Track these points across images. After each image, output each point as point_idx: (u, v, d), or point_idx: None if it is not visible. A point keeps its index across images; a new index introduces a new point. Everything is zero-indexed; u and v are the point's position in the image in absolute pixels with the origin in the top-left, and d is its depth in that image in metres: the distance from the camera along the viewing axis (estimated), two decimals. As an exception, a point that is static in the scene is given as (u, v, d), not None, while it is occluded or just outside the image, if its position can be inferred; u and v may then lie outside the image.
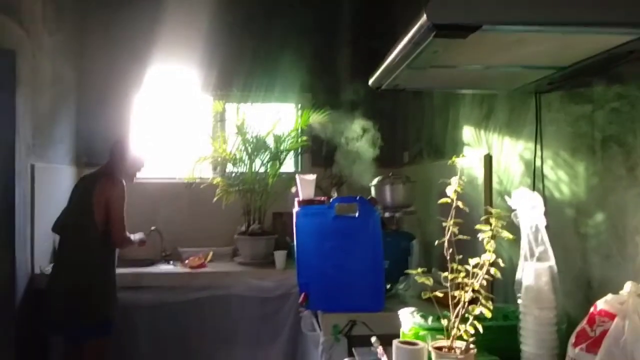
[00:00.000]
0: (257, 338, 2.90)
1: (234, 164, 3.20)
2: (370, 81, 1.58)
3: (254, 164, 3.16)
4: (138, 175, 2.84)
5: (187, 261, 3.05)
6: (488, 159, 2.04)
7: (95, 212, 2.51)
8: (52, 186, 3.00)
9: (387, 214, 2.56)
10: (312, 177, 2.21)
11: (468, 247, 1.29)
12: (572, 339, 1.17)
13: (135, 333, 2.81)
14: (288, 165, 3.53)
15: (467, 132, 2.30)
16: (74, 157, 3.37)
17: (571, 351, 1.16)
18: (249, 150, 3.15)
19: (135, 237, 2.77)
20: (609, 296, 1.14)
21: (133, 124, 3.51)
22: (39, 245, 2.79)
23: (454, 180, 1.34)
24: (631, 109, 1.24)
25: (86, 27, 3.48)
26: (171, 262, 3.14)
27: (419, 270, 1.34)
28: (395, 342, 1.23)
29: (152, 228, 3.15)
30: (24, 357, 2.59)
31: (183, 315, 2.84)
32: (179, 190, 3.38)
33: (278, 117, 3.27)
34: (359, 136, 2.75)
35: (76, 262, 2.52)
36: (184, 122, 3.55)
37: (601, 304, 1.14)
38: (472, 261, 1.27)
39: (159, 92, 3.54)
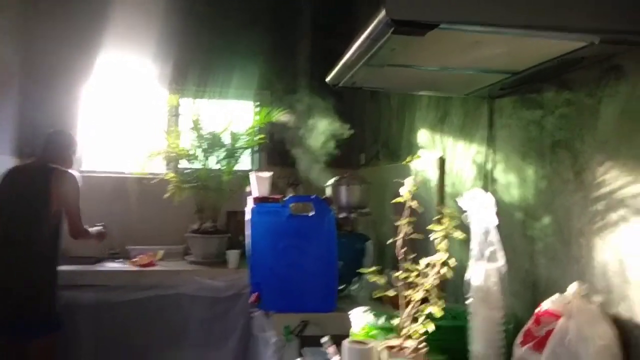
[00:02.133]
0: (207, 339, 2.82)
1: (188, 160, 3.11)
2: (328, 78, 1.57)
3: (208, 160, 3.09)
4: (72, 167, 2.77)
5: (135, 259, 2.94)
6: (441, 162, 2.07)
7: (50, 205, 2.47)
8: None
9: (342, 215, 2.55)
10: (267, 174, 2.18)
11: (421, 249, 1.29)
12: (519, 339, 1.19)
13: (78, 334, 2.68)
14: (244, 163, 3.48)
15: (423, 135, 2.33)
16: (16, 147, 3.19)
17: (518, 350, 1.18)
18: (204, 147, 3.07)
19: (93, 229, 2.72)
20: (555, 296, 1.16)
21: (81, 114, 3.36)
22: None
23: (408, 181, 1.34)
24: (579, 114, 1.28)
25: (35, 9, 3.30)
26: (119, 260, 3.02)
27: (372, 269, 1.34)
28: (345, 341, 1.22)
29: (100, 224, 3.02)
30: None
31: (130, 315, 2.73)
32: (129, 186, 3.26)
33: (235, 114, 3.21)
34: (316, 136, 2.73)
35: (24, 256, 2.41)
36: (137, 115, 3.44)
37: (547, 304, 1.16)
38: (424, 261, 1.27)
39: (111, 82, 3.41)
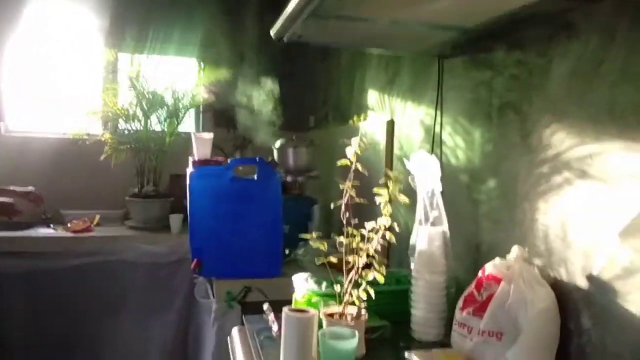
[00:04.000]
0: (148, 306, 2.72)
1: (127, 120, 2.93)
2: (273, 31, 1.46)
3: (149, 121, 2.91)
4: None
5: (69, 225, 2.77)
6: (390, 124, 2.02)
7: None
8: None
9: (289, 178, 2.48)
10: (208, 135, 2.07)
11: (367, 213, 1.24)
12: (460, 303, 1.17)
13: (9, 304, 2.52)
14: (188, 124, 3.31)
15: (372, 97, 2.26)
16: None
17: (459, 315, 1.16)
18: (145, 106, 2.89)
19: None
20: (496, 260, 1.15)
21: (7, 69, 3.09)
22: None
23: (354, 142, 1.27)
24: (529, 75, 1.24)
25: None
26: (51, 225, 2.84)
27: (314, 234, 1.28)
28: (285, 309, 1.16)
29: (29, 188, 2.82)
30: None
31: (66, 283, 2.58)
32: (63, 147, 3.05)
33: (178, 72, 3.03)
34: (263, 97, 2.62)
35: None
36: (71, 72, 3.19)
37: (489, 268, 1.14)
38: (368, 225, 1.22)
39: (41, 34, 3.13)
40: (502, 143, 1.34)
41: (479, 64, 1.45)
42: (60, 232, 2.76)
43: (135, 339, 2.71)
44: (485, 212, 1.40)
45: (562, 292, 1.08)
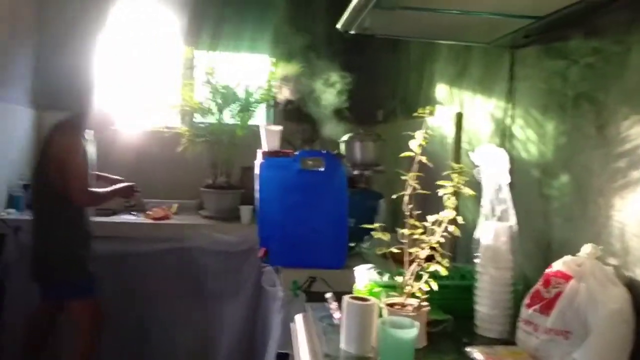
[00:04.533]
0: (219, 292, 2.85)
1: (202, 114, 3.07)
2: (339, 24, 1.48)
3: (222, 114, 3.04)
4: (110, 127, 2.66)
5: (150, 212, 2.96)
6: (459, 117, 1.98)
7: (51, 166, 2.30)
8: (7, 128, 2.85)
9: (355, 172, 2.50)
10: (277, 128, 2.13)
11: (436, 208, 1.23)
12: (526, 300, 1.14)
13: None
14: (260, 118, 3.42)
15: (441, 90, 2.22)
16: (33, 99, 3.19)
17: (524, 312, 1.13)
18: (218, 101, 3.02)
19: (108, 190, 2.56)
20: (567, 257, 1.10)
21: (97, 66, 3.33)
22: (-8, 190, 2.67)
23: (419, 134, 1.27)
24: (605, 64, 1.18)
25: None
26: (134, 212, 3.04)
27: (377, 225, 1.29)
28: (345, 297, 1.19)
29: (118, 178, 3.03)
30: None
31: (144, 266, 2.77)
32: (145, 140, 3.25)
33: (250, 68, 3.13)
34: (333, 91, 2.65)
35: (38, 219, 2.40)
36: (151, 68, 3.39)
37: (558, 265, 1.10)
38: (431, 218, 1.22)
39: (125, 34, 3.35)
40: (576, 135, 1.27)
41: (553, 53, 1.39)
42: (141, 219, 2.95)
43: (206, 323, 2.85)
44: (557, 208, 1.35)
45: (638, 293, 1.03)
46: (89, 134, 2.47)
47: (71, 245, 2.38)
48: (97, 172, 2.63)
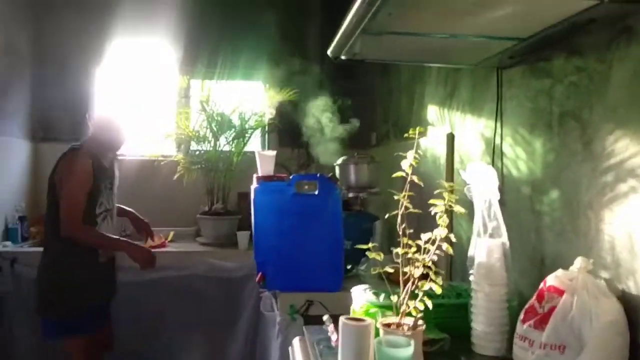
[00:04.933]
0: (218, 319, 2.83)
1: (198, 142, 3.10)
2: (329, 50, 1.52)
3: (218, 142, 3.07)
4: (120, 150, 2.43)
5: (146, 241, 2.95)
6: (450, 138, 2.01)
7: (56, 193, 2.15)
8: (3, 160, 2.87)
9: (350, 195, 2.52)
10: (271, 153, 2.15)
11: (429, 228, 1.24)
12: (521, 316, 1.15)
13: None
14: (255, 144, 3.45)
15: (432, 111, 2.26)
16: (29, 131, 3.22)
17: (520, 328, 1.13)
18: (214, 128, 3.05)
19: (112, 238, 2.25)
20: (559, 272, 1.11)
21: (93, 98, 3.37)
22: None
23: (410, 154, 1.29)
24: (589, 82, 1.21)
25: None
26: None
27: (371, 246, 1.30)
28: (342, 318, 1.19)
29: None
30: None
31: (141, 296, 2.74)
32: (141, 168, 3.27)
33: (244, 95, 3.18)
34: (326, 116, 2.69)
35: (44, 250, 2.27)
36: (148, 98, 3.43)
37: (551, 280, 1.11)
38: (424, 236, 1.23)
39: (122, 65, 3.41)
40: (564, 152, 1.30)
41: (538, 73, 1.43)
42: (138, 248, 2.93)
43: (207, 350, 2.82)
44: (549, 223, 1.36)
45: (630, 305, 1.03)
46: (114, 159, 2.37)
47: (74, 276, 2.20)
48: (120, 206, 2.51)
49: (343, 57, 1.52)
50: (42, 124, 3.27)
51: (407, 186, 1.27)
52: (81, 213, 2.12)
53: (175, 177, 3.02)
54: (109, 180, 2.30)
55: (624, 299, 1.04)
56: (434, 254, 1.21)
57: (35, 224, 2.98)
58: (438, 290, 1.19)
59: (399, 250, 1.24)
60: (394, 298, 1.25)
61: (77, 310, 2.20)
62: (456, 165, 1.98)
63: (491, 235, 1.29)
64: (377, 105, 3.24)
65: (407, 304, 1.21)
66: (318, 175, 2.05)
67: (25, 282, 2.57)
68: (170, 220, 3.22)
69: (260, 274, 2.01)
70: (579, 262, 1.09)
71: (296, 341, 1.50)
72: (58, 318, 2.21)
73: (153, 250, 2.82)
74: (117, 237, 2.31)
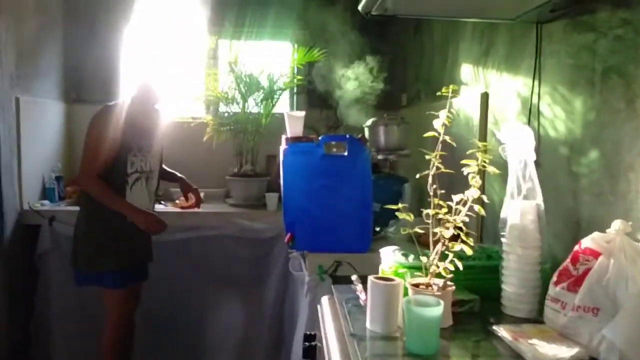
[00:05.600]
0: (247, 279, 2.89)
1: (226, 103, 3.10)
2: (360, 5, 1.47)
3: (247, 103, 3.05)
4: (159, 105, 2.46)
5: (177, 201, 3.01)
6: (485, 97, 1.95)
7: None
8: (39, 121, 2.93)
9: (380, 157, 2.49)
10: (300, 113, 2.13)
11: (459, 188, 1.22)
12: (554, 278, 1.12)
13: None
14: (283, 105, 3.43)
15: (466, 70, 2.19)
16: (62, 92, 3.27)
17: (552, 290, 1.12)
18: (242, 89, 3.04)
19: (121, 201, 2.24)
20: (595, 234, 1.08)
21: (124, 58, 3.38)
22: (26, 181, 2.75)
23: (442, 114, 1.25)
24: (636, 35, 1.14)
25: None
26: (162, 202, 3.10)
27: (401, 205, 1.28)
28: (370, 277, 1.19)
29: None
30: (13, 292, 2.61)
31: (172, 255, 2.81)
32: (171, 130, 3.29)
33: (273, 55, 3.13)
34: (356, 76, 2.64)
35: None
36: (177, 58, 3.42)
37: (586, 242, 1.08)
38: (456, 197, 1.21)
39: (151, 25, 3.39)
40: (605, 110, 1.24)
41: (581, 27, 1.35)
42: (169, 208, 3.00)
43: (235, 309, 2.90)
44: (586, 185, 1.32)
45: (670, 269, 1.00)
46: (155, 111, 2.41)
47: (101, 234, 2.27)
48: (171, 171, 2.63)
49: (374, 13, 1.47)
50: (75, 85, 3.31)
51: (439, 146, 1.24)
52: (96, 166, 2.16)
53: (205, 138, 3.03)
54: (145, 141, 2.32)
55: (664, 263, 1.00)
56: (466, 215, 1.19)
57: (71, 183, 3.06)
58: (469, 252, 1.18)
59: (430, 211, 1.23)
60: (424, 259, 1.25)
61: (107, 269, 2.28)
62: (490, 126, 1.92)
63: (525, 197, 1.25)
64: (408, 65, 3.15)
65: (436, 265, 1.21)
66: (347, 136, 2.03)
67: (63, 240, 2.67)
68: (200, 181, 3.24)
69: (289, 234, 2.02)
70: (617, 224, 1.05)
71: (325, 300, 1.51)
72: (84, 270, 2.29)
73: (184, 210, 2.90)
74: (122, 201, 2.26)
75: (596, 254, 1.04)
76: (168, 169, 2.68)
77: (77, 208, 2.41)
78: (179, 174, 2.68)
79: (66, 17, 3.29)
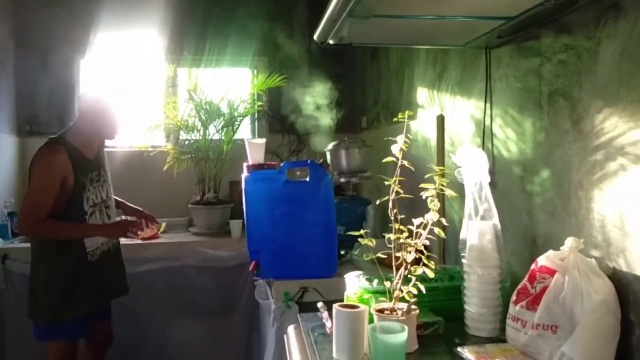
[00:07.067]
0: (214, 309, 2.84)
1: (187, 131, 3.07)
2: (315, 35, 1.49)
3: (207, 130, 3.04)
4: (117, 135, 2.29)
5: (139, 232, 2.93)
6: (441, 120, 2.00)
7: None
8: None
9: (342, 180, 2.51)
10: (261, 141, 2.13)
11: (421, 210, 1.24)
12: (513, 297, 1.15)
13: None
14: (245, 132, 3.42)
15: (422, 94, 2.24)
16: (15, 125, 3.17)
17: (512, 309, 1.14)
18: (202, 117, 3.02)
19: (74, 226, 2.08)
20: (550, 252, 1.11)
21: (79, 89, 3.32)
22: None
23: (400, 139, 1.28)
24: (577, 60, 1.20)
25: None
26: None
27: (363, 232, 1.29)
28: (335, 305, 1.18)
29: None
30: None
31: (135, 288, 2.72)
32: (130, 160, 3.24)
33: (232, 82, 3.14)
34: (316, 102, 2.67)
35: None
36: (135, 88, 3.38)
37: (542, 260, 1.11)
38: (416, 221, 1.22)
39: (107, 55, 3.35)
40: (554, 131, 1.29)
41: (527, 52, 1.41)
42: (129, 240, 2.92)
43: (203, 340, 2.83)
44: (540, 203, 1.36)
45: (621, 283, 1.04)
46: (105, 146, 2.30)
47: (63, 282, 2.08)
48: (116, 198, 2.45)
49: (330, 42, 1.49)
50: (28, 118, 3.22)
51: (398, 171, 1.26)
52: (41, 210, 1.99)
53: (166, 167, 2.99)
54: (95, 173, 2.19)
55: (615, 277, 1.04)
56: (426, 238, 1.21)
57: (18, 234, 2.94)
58: (431, 275, 1.19)
59: (391, 236, 1.24)
60: (387, 283, 1.25)
61: (67, 317, 2.10)
62: (447, 147, 1.97)
63: (483, 218, 1.28)
64: (367, 88, 3.21)
65: (400, 289, 1.21)
66: (309, 161, 2.03)
67: (17, 278, 2.56)
68: (162, 211, 3.19)
69: (253, 262, 2.00)
70: (569, 242, 1.09)
71: (291, 329, 1.50)
72: (48, 323, 2.11)
73: (146, 241, 2.83)
74: (85, 223, 2.11)
75: (552, 272, 1.07)
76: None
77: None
78: (119, 199, 2.49)
79: (18, 48, 3.21)
